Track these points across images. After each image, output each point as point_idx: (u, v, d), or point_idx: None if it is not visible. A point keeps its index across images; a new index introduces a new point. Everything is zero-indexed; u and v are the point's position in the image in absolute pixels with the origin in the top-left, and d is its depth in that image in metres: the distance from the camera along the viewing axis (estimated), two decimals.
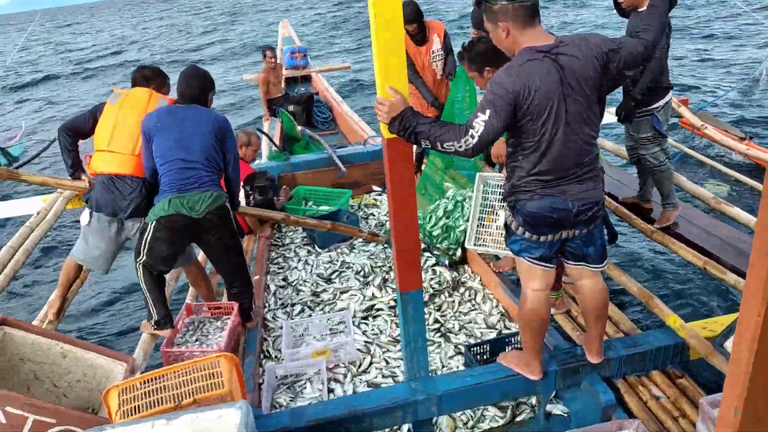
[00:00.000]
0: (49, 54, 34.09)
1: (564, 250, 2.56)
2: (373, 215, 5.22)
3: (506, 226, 2.57)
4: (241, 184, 4.45)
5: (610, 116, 6.53)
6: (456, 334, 3.52)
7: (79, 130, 3.45)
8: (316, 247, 4.69)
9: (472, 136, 2.20)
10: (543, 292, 2.58)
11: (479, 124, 2.20)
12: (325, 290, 4.09)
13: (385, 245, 4.58)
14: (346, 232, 4.56)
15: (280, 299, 4.06)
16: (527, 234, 2.46)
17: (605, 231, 2.72)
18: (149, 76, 3.56)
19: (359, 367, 3.30)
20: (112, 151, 3.32)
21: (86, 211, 3.48)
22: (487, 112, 2.19)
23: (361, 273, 4.22)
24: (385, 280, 4.09)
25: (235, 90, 16.08)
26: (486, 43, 2.76)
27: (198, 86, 3.25)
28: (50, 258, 7.30)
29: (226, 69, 19.79)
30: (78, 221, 3.86)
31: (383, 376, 3.23)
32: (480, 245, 3.46)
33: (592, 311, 2.68)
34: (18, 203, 5.47)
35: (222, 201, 3.19)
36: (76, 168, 3.62)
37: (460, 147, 2.23)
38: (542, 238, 2.45)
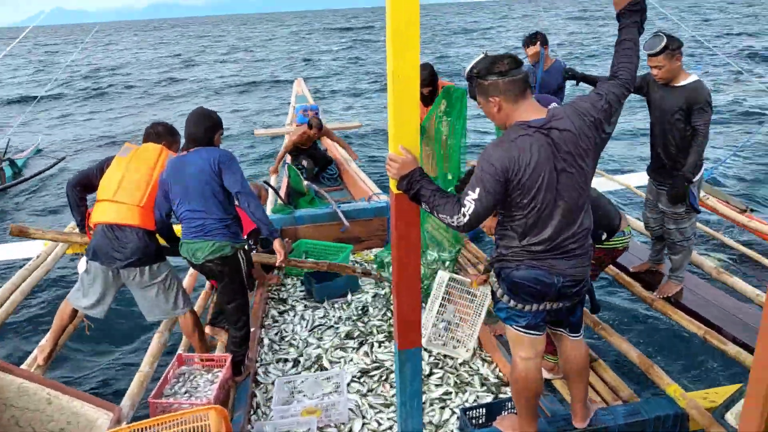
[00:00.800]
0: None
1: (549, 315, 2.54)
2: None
3: (492, 293, 2.56)
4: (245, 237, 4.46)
5: (615, 183, 6.58)
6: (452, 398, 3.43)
7: (88, 184, 3.49)
8: (314, 302, 4.65)
9: (464, 215, 2.23)
10: (532, 360, 2.55)
11: (470, 202, 2.21)
12: (319, 347, 4.03)
13: (380, 282, 4.75)
14: (341, 270, 4.58)
15: (274, 353, 3.99)
16: (512, 302, 2.45)
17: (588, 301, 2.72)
18: (160, 133, 3.62)
19: (350, 428, 3.21)
20: (117, 201, 3.33)
21: (83, 259, 3.49)
22: (477, 190, 2.20)
23: (356, 332, 4.17)
24: (380, 343, 4.03)
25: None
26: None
27: (201, 127, 3.27)
28: (46, 301, 7.23)
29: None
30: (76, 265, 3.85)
31: None
32: (437, 343, 3.74)
33: (572, 373, 2.69)
34: (19, 246, 5.48)
35: (224, 252, 3.23)
36: (84, 224, 3.63)
37: (453, 222, 2.25)
38: (527, 308, 2.43)
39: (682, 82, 3.58)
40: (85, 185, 3.50)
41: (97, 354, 5.80)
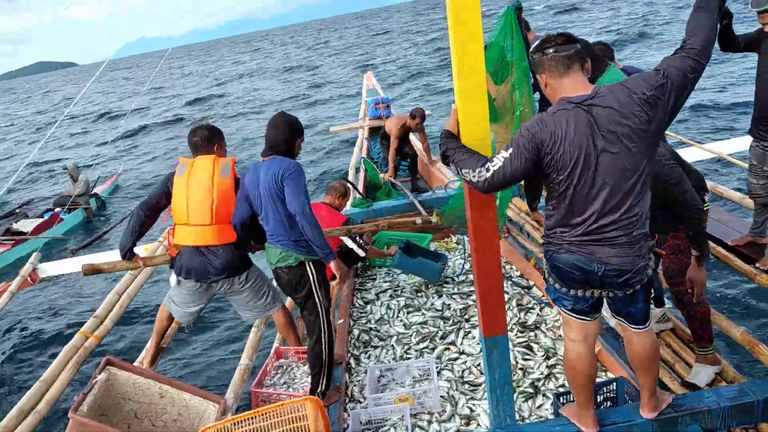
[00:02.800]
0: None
1: (608, 301, 2.46)
2: (452, 260, 5.20)
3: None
4: None
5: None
6: (545, 382, 3.41)
7: (156, 207, 3.54)
8: (399, 292, 4.70)
9: (488, 170, 2.20)
10: (580, 344, 2.49)
11: (499, 159, 2.19)
12: (407, 335, 4.09)
13: (442, 225, 4.70)
14: (402, 223, 4.68)
15: (364, 344, 4.09)
16: (557, 285, 2.40)
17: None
18: (208, 137, 3.54)
19: (443, 414, 3.25)
20: (191, 224, 3.42)
21: (174, 275, 3.60)
22: (510, 151, 2.18)
23: (443, 316, 4.20)
24: (466, 330, 4.04)
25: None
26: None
27: (280, 134, 3.19)
28: (149, 303, 7.74)
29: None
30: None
31: (467, 424, 3.17)
32: None
33: (638, 364, 2.57)
34: (116, 253, 5.86)
35: (289, 262, 3.20)
36: (130, 250, 3.62)
37: (474, 177, 2.23)
38: (571, 292, 2.37)
39: None
40: (153, 207, 3.53)
41: (199, 350, 6.15)
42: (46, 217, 11.71)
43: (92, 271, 3.82)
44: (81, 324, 4.34)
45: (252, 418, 2.64)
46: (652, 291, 2.46)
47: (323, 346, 3.26)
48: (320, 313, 3.26)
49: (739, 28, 3.66)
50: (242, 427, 2.61)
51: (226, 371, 5.31)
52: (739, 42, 3.66)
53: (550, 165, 2.18)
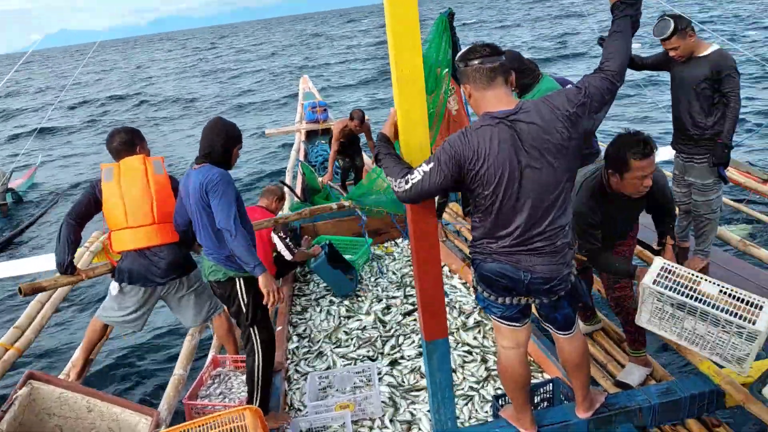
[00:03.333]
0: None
1: (536, 308, 2.53)
2: (393, 263, 5.20)
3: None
4: (273, 234, 4.50)
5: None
6: (484, 384, 3.45)
7: (86, 214, 3.35)
8: (338, 297, 4.68)
9: (407, 182, 2.23)
10: (513, 350, 2.55)
11: (419, 173, 2.22)
12: (347, 341, 4.06)
13: (355, 210, 4.76)
14: (321, 209, 4.59)
15: (303, 350, 4.03)
16: (485, 293, 2.45)
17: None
18: (129, 141, 3.40)
19: (384, 420, 3.23)
20: (132, 227, 3.29)
21: (114, 284, 3.42)
22: (430, 165, 2.20)
23: (383, 320, 4.20)
24: (407, 335, 4.05)
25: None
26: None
27: (215, 142, 3.01)
28: (74, 313, 7.37)
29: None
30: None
31: (409, 429, 3.17)
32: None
33: (569, 367, 2.67)
34: (46, 258, 5.57)
35: (218, 276, 3.07)
36: (70, 264, 3.35)
37: (395, 187, 2.28)
38: (498, 300, 2.42)
39: (705, 52, 3.58)
40: (83, 215, 3.34)
41: (129, 361, 5.90)
42: None
43: (32, 290, 3.35)
44: None
45: (187, 429, 2.53)
46: (579, 298, 2.53)
47: (255, 362, 3.14)
48: (252, 330, 3.12)
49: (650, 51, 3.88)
50: None
51: (159, 383, 5.11)
52: (647, 63, 3.96)
53: (474, 180, 2.20)
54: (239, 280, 3.06)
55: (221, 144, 3.01)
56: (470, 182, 2.21)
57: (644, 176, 2.66)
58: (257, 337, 3.13)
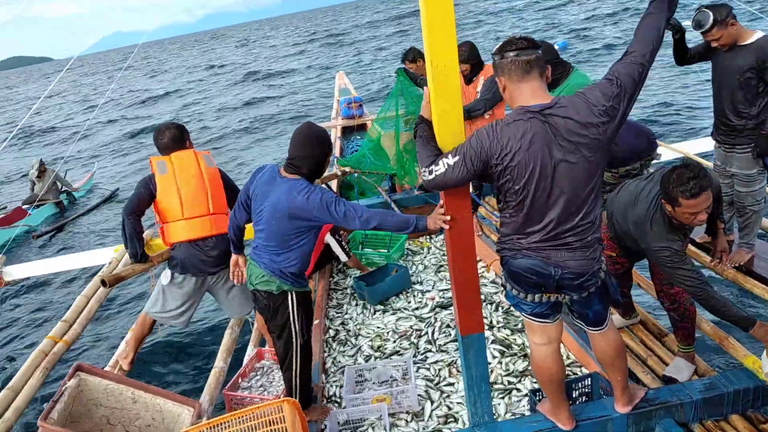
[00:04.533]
0: None
1: (566, 305, 2.50)
2: (428, 257, 5.20)
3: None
4: (329, 235, 4.64)
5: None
6: (521, 379, 3.43)
7: (142, 209, 3.50)
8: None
9: (431, 172, 2.26)
10: (545, 346, 2.54)
11: (443, 165, 2.23)
12: (384, 334, 4.08)
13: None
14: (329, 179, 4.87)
15: (340, 343, 4.07)
16: (514, 290, 2.43)
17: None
18: (180, 136, 3.54)
19: (420, 413, 3.25)
20: (188, 218, 3.43)
21: (167, 272, 3.54)
22: (456, 158, 2.21)
23: (418, 315, 4.21)
24: (443, 329, 4.05)
25: None
26: None
27: (307, 152, 2.82)
28: (119, 307, 7.59)
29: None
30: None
31: (445, 423, 3.17)
32: None
33: (604, 362, 2.66)
34: (91, 254, 5.75)
35: (271, 288, 2.94)
36: (143, 253, 3.60)
37: (421, 173, 2.31)
38: (528, 297, 2.40)
39: (749, 40, 3.47)
40: (139, 211, 3.50)
41: (172, 354, 6.06)
42: (8, 211, 11.43)
43: (114, 280, 3.60)
44: (49, 329, 4.23)
45: (228, 421, 2.59)
46: (609, 295, 2.50)
47: (293, 374, 3.05)
48: (294, 347, 3.01)
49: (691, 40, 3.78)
50: (218, 430, 2.56)
51: (200, 375, 5.24)
52: (693, 54, 3.82)
53: (503, 175, 2.19)
54: (292, 294, 2.95)
55: (318, 158, 2.85)
56: (499, 177, 2.21)
57: (695, 213, 2.58)
58: (298, 358, 3.04)
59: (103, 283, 3.60)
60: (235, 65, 42.47)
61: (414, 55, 5.84)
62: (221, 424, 2.59)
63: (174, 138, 3.52)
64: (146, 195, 3.45)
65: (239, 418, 2.61)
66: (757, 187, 3.72)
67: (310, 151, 2.82)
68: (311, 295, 3.20)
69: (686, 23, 3.74)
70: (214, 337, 6.00)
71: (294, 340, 3.01)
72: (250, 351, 3.86)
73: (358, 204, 2.81)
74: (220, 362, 3.72)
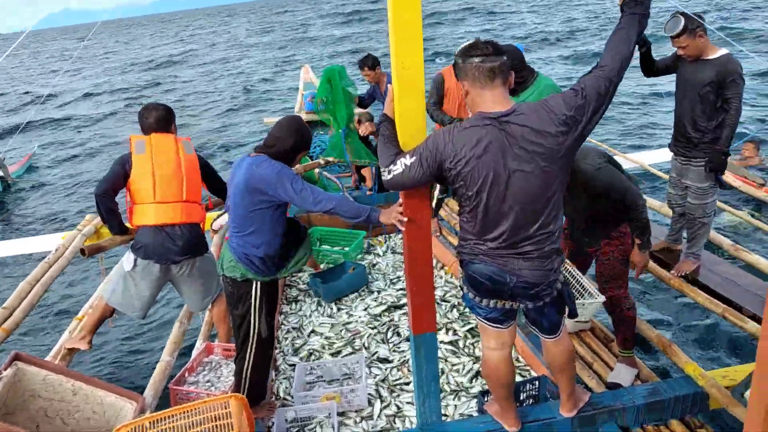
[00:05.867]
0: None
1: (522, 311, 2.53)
2: (385, 256, 5.20)
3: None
4: None
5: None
6: (471, 380, 3.45)
7: (115, 188, 3.39)
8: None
9: (389, 172, 2.28)
10: (498, 351, 2.56)
11: (401, 165, 2.25)
12: (337, 333, 4.06)
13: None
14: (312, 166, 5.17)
15: (292, 340, 4.03)
16: (470, 294, 2.45)
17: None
18: (167, 118, 3.46)
19: (370, 412, 3.24)
20: (159, 202, 3.33)
21: (130, 256, 3.41)
22: (413, 159, 2.22)
23: (372, 314, 4.20)
24: (395, 329, 4.05)
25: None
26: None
27: (284, 141, 2.85)
28: (65, 294, 7.35)
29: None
30: (88, 258, 3.80)
31: (394, 422, 3.17)
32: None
33: (554, 368, 2.70)
34: (38, 240, 5.55)
35: (234, 275, 2.92)
36: (122, 226, 3.58)
37: (382, 174, 2.33)
38: (483, 302, 2.42)
39: (713, 56, 3.57)
40: (114, 190, 3.40)
41: (116, 346, 5.90)
42: None
43: (94, 250, 3.71)
44: None
45: (172, 416, 2.53)
46: (564, 304, 2.52)
47: (245, 365, 3.03)
48: (251, 340, 2.99)
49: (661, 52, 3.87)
50: (161, 425, 2.49)
51: (147, 369, 5.11)
52: (660, 67, 3.91)
53: (456, 179, 2.20)
54: (256, 284, 2.93)
55: (291, 144, 2.86)
56: (452, 180, 2.22)
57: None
58: (253, 347, 3.02)
59: (82, 252, 3.65)
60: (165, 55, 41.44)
61: (372, 62, 6.06)
62: (165, 418, 2.52)
63: (160, 119, 3.42)
64: (121, 173, 3.35)
65: (184, 413, 2.55)
66: (709, 200, 3.83)
67: (284, 135, 2.86)
68: (277, 284, 3.10)
69: (652, 33, 3.82)
70: (162, 331, 5.88)
71: (252, 332, 2.98)
72: (199, 345, 3.78)
73: (316, 187, 2.81)
74: (166, 356, 3.63)
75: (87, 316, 3.74)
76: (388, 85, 2.39)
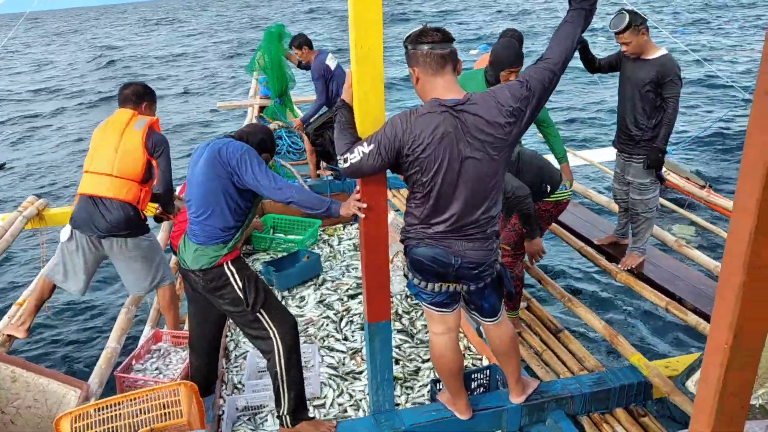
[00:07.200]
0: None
1: (463, 296, 2.58)
2: (340, 245, 5.18)
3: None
4: None
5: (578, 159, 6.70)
6: (422, 368, 3.48)
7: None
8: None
9: (346, 161, 2.28)
10: (444, 336, 2.59)
11: (359, 153, 2.24)
12: None
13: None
14: None
15: None
16: (415, 280, 2.48)
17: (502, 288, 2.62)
18: (141, 93, 3.46)
19: (323, 400, 3.23)
20: (93, 172, 3.31)
21: (67, 227, 3.40)
22: (370, 147, 2.23)
23: (325, 303, 4.18)
24: (349, 318, 4.04)
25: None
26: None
27: (249, 135, 2.78)
28: (4, 279, 7.05)
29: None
30: (31, 238, 3.72)
31: (346, 411, 3.17)
32: None
33: (498, 353, 2.75)
34: None
35: (202, 264, 2.66)
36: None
37: (339, 160, 2.32)
38: (429, 286, 2.45)
39: (653, 56, 3.67)
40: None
41: (61, 331, 5.70)
42: None
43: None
44: None
45: (118, 403, 2.46)
46: (503, 287, 2.59)
47: (277, 359, 2.68)
48: (262, 316, 2.68)
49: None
50: (106, 412, 2.42)
51: (92, 356, 4.96)
52: (602, 64, 4.04)
53: (413, 165, 2.21)
54: (227, 264, 2.65)
55: (258, 139, 2.76)
56: (408, 167, 2.22)
57: None
58: (272, 325, 2.67)
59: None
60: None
61: (300, 42, 6.14)
62: (110, 405, 2.46)
63: (134, 92, 3.44)
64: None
65: (131, 400, 2.49)
66: (650, 195, 3.95)
67: (254, 131, 2.81)
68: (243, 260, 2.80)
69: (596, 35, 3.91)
70: (108, 317, 5.71)
71: (258, 311, 2.65)
72: (147, 332, 3.69)
73: (279, 176, 2.66)
74: (112, 342, 3.52)
75: (26, 301, 3.60)
76: (347, 70, 2.36)
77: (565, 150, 3.92)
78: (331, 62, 5.85)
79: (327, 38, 27.58)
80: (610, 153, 6.71)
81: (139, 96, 3.44)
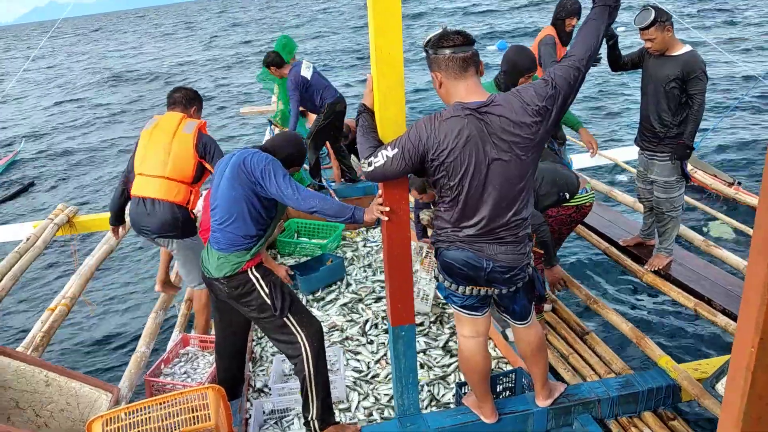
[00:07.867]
0: None
1: (494, 299, 2.56)
2: (364, 247, 5.20)
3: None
4: None
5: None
6: (448, 372, 3.47)
7: (130, 167, 3.54)
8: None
9: (370, 164, 2.28)
10: (473, 339, 2.59)
11: (382, 157, 2.24)
12: None
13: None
14: None
15: None
16: (446, 282, 2.47)
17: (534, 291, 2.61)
18: (191, 97, 3.56)
19: (348, 404, 3.24)
20: (144, 174, 3.39)
21: None
22: (394, 151, 2.22)
23: (350, 307, 4.19)
24: (374, 321, 4.05)
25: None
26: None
27: (281, 147, 2.83)
28: (37, 285, 7.21)
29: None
30: (66, 248, 3.82)
31: (372, 414, 3.18)
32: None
33: (526, 356, 2.73)
34: (8, 228, 5.43)
35: (225, 271, 2.71)
36: (114, 216, 3.77)
37: (362, 164, 2.33)
38: (460, 289, 2.44)
39: (677, 52, 3.63)
40: (130, 170, 3.52)
41: (91, 336, 5.81)
42: None
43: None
44: None
45: (148, 406, 2.51)
46: (535, 290, 2.58)
47: (305, 364, 2.71)
48: (289, 321, 2.71)
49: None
50: (136, 416, 2.47)
51: (122, 360, 5.05)
52: (626, 61, 3.97)
53: (439, 170, 2.21)
54: (251, 270, 2.70)
55: (286, 154, 2.80)
56: (434, 172, 2.22)
57: None
58: (299, 329, 2.70)
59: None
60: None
61: (267, 63, 5.93)
62: (140, 409, 2.50)
63: (183, 97, 3.52)
64: (134, 151, 3.51)
65: (160, 404, 2.52)
66: (676, 194, 3.89)
67: (284, 144, 2.85)
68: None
69: (620, 29, 3.89)
70: (138, 322, 5.81)
71: (285, 316, 2.68)
72: (175, 336, 3.75)
73: (303, 186, 2.71)
74: (142, 347, 3.59)
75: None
76: (368, 75, 2.38)
77: (576, 118, 3.93)
78: (307, 72, 5.64)
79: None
80: (633, 152, 6.62)
81: (189, 100, 3.54)
